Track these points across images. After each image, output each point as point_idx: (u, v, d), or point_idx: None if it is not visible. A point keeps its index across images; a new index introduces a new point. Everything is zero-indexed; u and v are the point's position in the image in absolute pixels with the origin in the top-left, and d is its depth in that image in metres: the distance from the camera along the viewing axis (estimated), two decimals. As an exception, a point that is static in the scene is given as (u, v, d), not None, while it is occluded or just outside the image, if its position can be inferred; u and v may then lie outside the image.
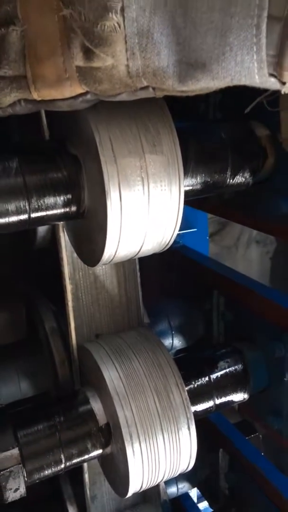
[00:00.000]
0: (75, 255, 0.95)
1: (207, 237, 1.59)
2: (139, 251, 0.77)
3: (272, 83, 0.50)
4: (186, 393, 0.86)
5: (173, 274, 1.31)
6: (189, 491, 1.47)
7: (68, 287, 0.96)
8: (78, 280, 1.01)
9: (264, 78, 0.50)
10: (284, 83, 0.50)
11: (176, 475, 0.90)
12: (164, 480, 0.89)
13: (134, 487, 0.85)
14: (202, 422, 0.97)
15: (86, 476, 1.09)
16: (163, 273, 1.34)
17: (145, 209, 0.71)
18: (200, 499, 1.53)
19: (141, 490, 0.88)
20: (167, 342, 1.24)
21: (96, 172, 0.69)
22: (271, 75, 0.49)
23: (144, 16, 0.52)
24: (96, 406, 0.88)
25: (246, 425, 1.47)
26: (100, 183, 0.69)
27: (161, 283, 1.35)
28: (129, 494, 0.87)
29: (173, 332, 1.23)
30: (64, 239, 0.91)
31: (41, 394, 1.11)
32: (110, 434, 0.87)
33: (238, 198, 1.00)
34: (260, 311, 1.04)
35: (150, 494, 1.19)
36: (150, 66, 0.54)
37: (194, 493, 1.55)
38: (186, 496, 1.44)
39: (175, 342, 1.25)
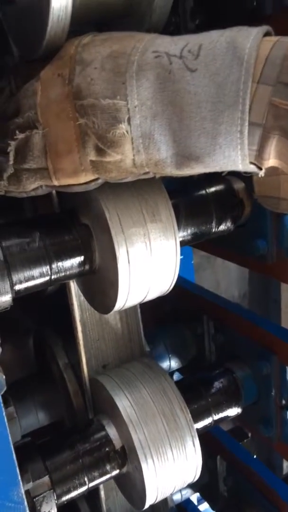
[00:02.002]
0: (82, 297, 1.08)
1: (192, 262, 1.73)
2: (145, 298, 0.91)
3: (252, 169, 0.64)
4: (190, 414, 1.00)
5: (166, 301, 1.45)
6: (191, 496, 1.61)
7: (79, 328, 1.08)
8: (86, 319, 1.13)
9: (246, 167, 0.64)
10: (261, 169, 0.64)
11: (184, 486, 1.04)
12: (175, 491, 1.03)
13: (150, 500, 0.99)
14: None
15: (102, 492, 1.21)
16: (157, 301, 1.48)
17: (149, 266, 0.85)
18: (200, 501, 1.67)
19: (156, 502, 1.02)
20: (165, 364, 1.37)
21: (106, 239, 0.82)
22: (252, 163, 0.63)
23: (146, 123, 0.65)
24: (112, 432, 1.01)
25: (239, 431, 1.62)
26: (110, 248, 0.82)
27: (156, 311, 1.49)
28: (146, 506, 1.00)
29: (169, 355, 1.37)
30: (74, 287, 1.04)
31: (56, 422, 1.23)
32: (126, 456, 1.00)
33: (221, 237, 1.15)
34: (246, 334, 1.19)
35: (159, 504, 1.32)
36: (152, 159, 0.67)
37: (194, 496, 1.68)
38: (188, 500, 1.57)
39: (172, 363, 1.39)
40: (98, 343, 1.17)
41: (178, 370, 1.46)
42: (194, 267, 2.65)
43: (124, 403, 0.98)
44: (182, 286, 1.42)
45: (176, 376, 1.66)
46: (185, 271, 1.60)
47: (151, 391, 1.00)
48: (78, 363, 1.13)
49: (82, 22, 0.75)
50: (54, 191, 0.91)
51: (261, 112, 0.59)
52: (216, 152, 0.63)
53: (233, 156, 0.62)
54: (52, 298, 1.21)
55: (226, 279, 3.54)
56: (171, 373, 1.52)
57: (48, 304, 1.31)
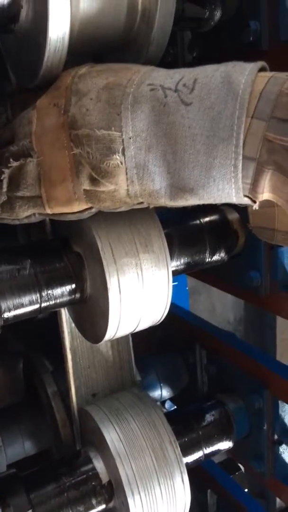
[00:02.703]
0: (73, 325, 1.06)
1: (186, 288, 1.72)
2: (136, 328, 0.89)
3: (246, 202, 0.64)
4: (179, 449, 0.97)
5: (158, 328, 1.43)
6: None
7: (69, 356, 1.06)
8: (76, 346, 1.11)
9: (240, 199, 0.63)
10: (255, 202, 0.63)
11: (172, 523, 1.01)
12: (162, 529, 0.99)
13: (136, 538, 0.95)
14: (191, 466, 1.08)
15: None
16: (149, 328, 1.46)
17: (141, 296, 0.84)
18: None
19: (142, 539, 0.98)
20: (157, 393, 1.35)
21: (98, 269, 0.81)
22: (246, 196, 0.62)
23: (141, 154, 0.65)
24: (99, 465, 0.98)
25: (230, 463, 1.59)
26: (101, 277, 0.81)
27: (148, 337, 1.47)
28: None
29: (161, 384, 1.34)
30: (65, 314, 1.02)
31: (43, 451, 1.20)
32: (112, 491, 0.97)
33: (214, 267, 1.14)
34: (238, 365, 1.17)
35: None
36: (146, 190, 0.67)
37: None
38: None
39: (164, 393, 1.36)
40: (88, 371, 1.15)
41: (169, 399, 1.43)
42: (189, 290, 2.64)
43: (112, 436, 0.95)
44: (175, 313, 1.40)
45: (168, 405, 1.64)
46: (179, 297, 1.59)
47: (140, 424, 0.98)
48: (67, 390, 1.11)
49: (80, 53, 0.76)
50: (47, 218, 0.91)
51: (255, 147, 0.59)
52: (210, 185, 0.62)
53: (227, 189, 0.62)
54: (43, 321, 1.19)
55: (221, 303, 3.52)
56: (163, 402, 1.49)
57: (39, 326, 1.29)
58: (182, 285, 1.66)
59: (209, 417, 1.12)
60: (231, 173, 0.61)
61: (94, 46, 0.76)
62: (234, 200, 0.63)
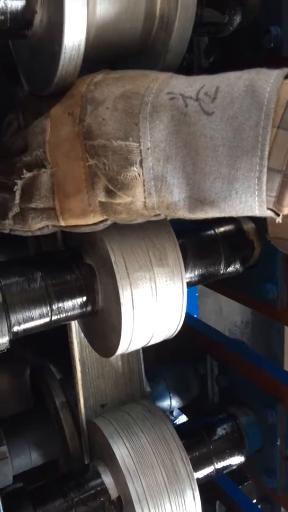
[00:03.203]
0: (82, 335, 1.04)
1: (196, 294, 1.69)
2: (149, 343, 0.87)
3: (269, 214, 0.61)
4: (191, 466, 0.95)
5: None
6: None
7: (78, 367, 1.04)
8: (85, 357, 1.09)
9: (263, 212, 0.60)
10: (279, 215, 0.60)
11: None
12: None
13: None
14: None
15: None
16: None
17: (154, 311, 0.81)
18: None
19: None
20: (166, 403, 1.32)
21: (110, 282, 0.79)
22: (269, 209, 0.59)
23: (159, 165, 0.62)
24: (108, 480, 0.96)
25: (239, 474, 1.56)
26: (114, 291, 0.78)
27: (158, 347, 1.44)
28: None
29: (171, 395, 1.32)
30: (74, 324, 1.00)
31: (50, 462, 1.18)
32: (121, 507, 0.95)
33: (229, 277, 1.11)
34: (250, 378, 1.14)
35: None
36: (164, 202, 0.64)
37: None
38: None
39: (173, 403, 1.33)
40: (97, 381, 1.12)
41: (179, 408, 1.40)
42: (197, 293, 2.61)
43: (122, 451, 0.93)
44: (187, 322, 1.37)
45: (176, 413, 1.61)
46: (188, 302, 1.55)
47: (151, 438, 0.96)
48: (75, 399, 1.09)
49: (95, 60, 0.73)
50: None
51: (281, 158, 0.56)
52: (232, 197, 0.60)
53: (250, 202, 0.59)
54: (52, 328, 1.17)
55: (229, 306, 3.49)
56: (171, 411, 1.47)
57: (47, 334, 1.27)
58: (192, 290, 1.63)
59: (220, 431, 1.10)
60: (255, 185, 0.58)
61: (110, 52, 0.74)
62: (256, 213, 0.61)
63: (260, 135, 0.56)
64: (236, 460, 1.10)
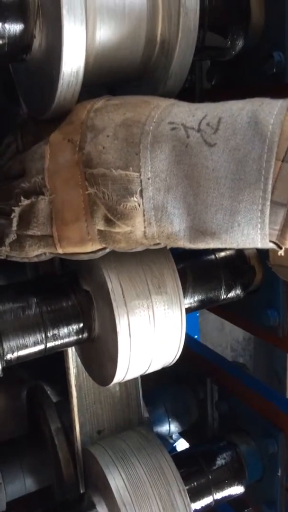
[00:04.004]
0: (79, 359, 1.01)
1: (197, 314, 1.67)
2: (147, 371, 0.85)
3: (271, 247, 0.59)
4: (188, 499, 0.92)
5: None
6: None
7: (74, 393, 1.01)
8: (82, 381, 1.06)
9: (265, 245, 0.58)
10: (281, 248, 0.58)
11: None
12: None
13: None
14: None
15: None
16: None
17: (152, 339, 0.79)
18: None
19: None
20: (164, 428, 1.29)
21: (107, 310, 0.77)
22: (272, 242, 0.58)
23: (159, 195, 0.61)
24: (103, 512, 0.93)
25: (238, 501, 1.52)
26: (111, 319, 0.76)
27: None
28: None
29: (169, 419, 1.29)
30: (71, 349, 0.98)
31: (44, 488, 1.15)
32: (117, 540, 0.91)
33: (231, 303, 1.09)
34: (251, 405, 1.11)
35: None
36: (164, 232, 0.63)
37: None
38: None
39: (172, 428, 1.31)
40: (94, 407, 1.10)
41: (178, 432, 1.37)
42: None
43: (117, 483, 0.90)
44: (186, 344, 1.35)
45: (175, 436, 1.58)
46: (188, 319, 1.53)
47: (147, 469, 0.93)
48: (71, 424, 1.06)
49: (94, 85, 0.72)
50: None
51: (285, 192, 0.55)
52: (234, 229, 0.58)
53: (252, 234, 0.58)
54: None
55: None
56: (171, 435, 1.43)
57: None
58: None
59: (220, 460, 1.07)
60: (258, 218, 0.56)
61: (110, 78, 0.73)
62: (259, 245, 0.59)
63: (263, 168, 0.55)
64: (236, 490, 1.07)
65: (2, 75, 1.04)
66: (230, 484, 1.06)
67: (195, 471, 1.04)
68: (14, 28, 0.65)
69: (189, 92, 1.03)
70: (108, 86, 0.78)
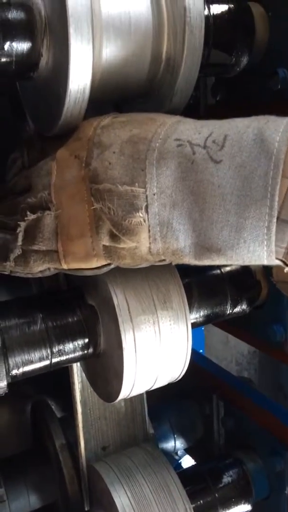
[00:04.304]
0: (84, 374, 1.01)
1: (202, 328, 1.66)
2: (152, 387, 0.84)
3: (277, 264, 0.58)
4: (195, 518, 0.90)
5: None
6: None
7: (79, 409, 1.01)
8: (87, 397, 1.05)
9: (272, 262, 0.58)
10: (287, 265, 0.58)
11: None
12: None
13: None
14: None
15: None
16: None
17: (158, 355, 0.78)
18: None
19: None
20: (170, 445, 1.28)
21: (112, 325, 0.76)
22: (279, 259, 0.58)
23: (165, 211, 0.61)
24: (108, 531, 0.92)
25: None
26: (116, 335, 0.76)
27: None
28: None
29: (175, 435, 1.27)
30: (76, 365, 0.97)
31: (49, 505, 1.13)
32: None
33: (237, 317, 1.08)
34: (257, 421, 1.10)
35: None
36: (170, 248, 0.63)
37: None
38: None
39: (177, 444, 1.29)
40: (98, 422, 1.09)
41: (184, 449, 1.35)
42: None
43: (123, 501, 0.89)
44: (191, 359, 1.34)
45: (180, 452, 1.56)
46: (194, 336, 1.52)
47: (153, 487, 0.91)
48: (76, 440, 1.05)
49: (101, 102, 0.73)
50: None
51: None
52: (240, 246, 0.58)
53: (258, 251, 0.57)
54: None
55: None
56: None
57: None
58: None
59: (226, 478, 1.05)
60: (264, 235, 0.56)
61: (116, 95, 0.73)
62: (265, 262, 0.59)
63: (269, 185, 0.55)
64: (242, 508, 1.05)
65: (8, 92, 1.05)
66: (237, 503, 1.05)
67: (201, 489, 1.02)
68: (22, 46, 0.66)
69: (194, 108, 1.04)
70: (114, 103, 0.78)
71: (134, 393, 0.82)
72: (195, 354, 1.35)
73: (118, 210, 0.62)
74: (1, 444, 1.41)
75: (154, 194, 0.60)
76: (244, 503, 1.05)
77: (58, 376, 1.10)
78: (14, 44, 0.65)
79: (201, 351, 1.91)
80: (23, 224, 0.68)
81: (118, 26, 0.66)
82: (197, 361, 1.34)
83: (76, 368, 0.98)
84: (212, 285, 0.93)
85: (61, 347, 0.79)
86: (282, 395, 3.13)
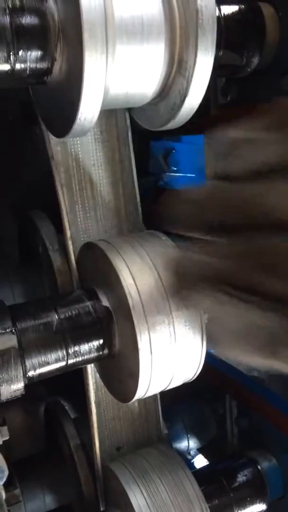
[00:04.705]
0: (98, 375, 1.01)
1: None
2: (167, 387, 0.85)
3: None
4: (211, 518, 0.91)
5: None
6: None
7: (93, 410, 1.01)
8: (101, 398, 1.06)
9: None
10: None
11: None
12: None
13: None
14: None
15: None
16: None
17: (173, 355, 0.79)
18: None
19: None
20: (183, 444, 1.28)
21: (128, 326, 0.77)
22: None
23: None
24: (125, 530, 0.92)
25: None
26: (131, 336, 0.76)
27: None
28: None
29: (188, 435, 1.28)
30: (90, 366, 0.98)
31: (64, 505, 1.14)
32: None
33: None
34: (271, 421, 1.10)
35: None
36: None
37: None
38: None
39: (191, 444, 1.29)
40: (113, 423, 1.09)
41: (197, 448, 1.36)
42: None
43: (139, 501, 0.89)
44: (205, 360, 1.34)
45: (193, 452, 1.56)
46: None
47: (169, 487, 0.92)
48: (90, 440, 1.05)
49: (113, 105, 0.74)
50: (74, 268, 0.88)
51: None
52: None
53: None
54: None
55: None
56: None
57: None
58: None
59: (241, 477, 1.05)
60: None
61: (129, 98, 0.74)
62: None
63: None
64: (258, 508, 1.06)
65: (19, 95, 1.06)
66: (252, 502, 1.05)
67: (216, 489, 1.03)
68: (36, 52, 0.66)
69: (204, 108, 1.04)
70: (127, 105, 0.79)
71: (150, 393, 0.82)
72: (207, 353, 1.35)
73: None
74: (15, 446, 1.42)
75: None
76: (259, 503, 1.06)
77: (70, 377, 1.10)
78: (28, 50, 0.66)
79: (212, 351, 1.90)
80: None
81: (131, 30, 0.67)
82: (210, 361, 1.34)
83: (91, 369, 0.98)
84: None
85: (76, 348, 0.79)
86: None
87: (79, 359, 0.81)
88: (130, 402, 0.83)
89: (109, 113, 0.92)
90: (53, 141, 0.89)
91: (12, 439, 1.44)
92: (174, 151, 1.51)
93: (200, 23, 0.67)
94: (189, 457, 1.61)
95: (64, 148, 0.92)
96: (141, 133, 0.94)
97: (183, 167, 1.52)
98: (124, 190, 0.99)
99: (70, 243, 0.92)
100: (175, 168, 1.50)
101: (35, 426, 1.38)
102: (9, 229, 1.19)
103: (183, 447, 1.29)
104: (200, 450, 1.41)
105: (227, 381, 1.25)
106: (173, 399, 1.37)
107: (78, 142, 0.92)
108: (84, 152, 0.94)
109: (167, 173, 1.51)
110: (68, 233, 0.93)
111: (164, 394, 1.16)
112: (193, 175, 1.56)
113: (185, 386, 1.36)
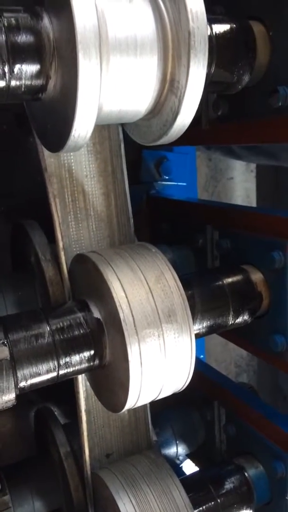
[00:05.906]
0: (88, 383, 1.03)
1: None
2: (157, 397, 0.86)
3: None
4: (198, 526, 0.92)
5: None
6: None
7: (83, 417, 1.03)
8: (91, 405, 1.07)
9: None
10: None
11: None
12: None
13: None
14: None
15: None
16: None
17: (163, 366, 0.80)
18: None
19: None
20: (172, 450, 1.30)
21: (118, 338, 0.78)
22: None
23: None
24: (113, 538, 0.93)
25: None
26: (122, 347, 0.78)
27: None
28: None
29: (177, 442, 1.29)
30: (81, 375, 0.99)
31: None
32: None
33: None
34: (259, 429, 1.12)
35: None
36: None
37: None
38: None
39: (180, 450, 1.31)
40: (103, 430, 1.11)
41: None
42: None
43: (128, 509, 0.91)
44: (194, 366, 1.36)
45: (181, 457, 1.58)
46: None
47: (157, 495, 0.93)
48: (80, 447, 1.07)
49: (107, 122, 0.75)
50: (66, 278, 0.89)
51: None
52: None
53: None
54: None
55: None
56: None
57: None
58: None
59: (228, 484, 1.07)
60: None
61: (122, 114, 0.75)
62: None
63: None
64: (244, 514, 1.07)
65: (14, 107, 1.07)
66: (239, 508, 1.06)
67: (204, 496, 1.04)
68: (31, 69, 0.67)
69: (196, 122, 1.06)
70: (120, 121, 0.80)
71: (139, 404, 0.84)
72: (197, 361, 1.37)
73: None
74: (5, 451, 1.43)
75: None
76: (245, 509, 1.07)
77: (61, 383, 1.11)
78: (24, 67, 0.67)
79: (202, 356, 1.93)
80: None
81: (125, 49, 0.68)
82: (199, 368, 1.36)
83: (81, 377, 1.00)
84: (214, 297, 0.95)
85: (68, 359, 0.81)
86: (281, 397, 3.15)
87: (70, 369, 0.82)
88: (120, 413, 0.84)
89: (102, 126, 0.93)
90: (46, 152, 0.90)
91: (2, 443, 1.45)
92: (166, 160, 1.54)
93: (192, 45, 0.69)
94: (178, 462, 1.63)
95: (57, 159, 0.93)
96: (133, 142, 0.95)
97: (175, 176, 1.54)
98: (116, 201, 1.00)
99: (62, 253, 0.93)
100: (166, 177, 1.53)
101: (25, 430, 1.38)
102: (2, 236, 1.20)
103: (172, 453, 1.30)
104: (189, 456, 1.42)
105: (216, 389, 1.27)
106: (163, 406, 1.38)
107: (71, 153, 0.94)
108: (77, 163, 0.96)
109: (158, 182, 1.54)
110: (61, 244, 0.94)
111: (154, 401, 1.18)
112: (185, 184, 1.59)
113: (174, 394, 1.38)
